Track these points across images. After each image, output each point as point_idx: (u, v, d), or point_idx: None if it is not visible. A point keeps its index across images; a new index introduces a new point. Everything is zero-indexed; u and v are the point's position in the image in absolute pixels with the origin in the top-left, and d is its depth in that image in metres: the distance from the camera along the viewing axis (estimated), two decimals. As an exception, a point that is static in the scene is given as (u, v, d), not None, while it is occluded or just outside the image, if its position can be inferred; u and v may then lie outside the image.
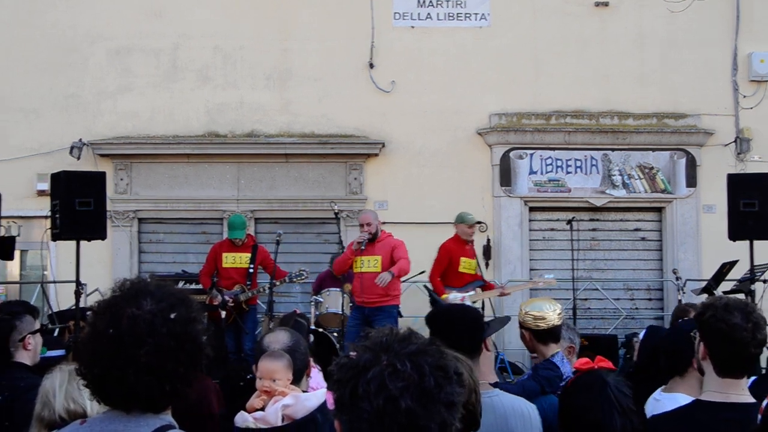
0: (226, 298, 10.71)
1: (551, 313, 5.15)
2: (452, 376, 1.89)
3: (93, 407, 3.60)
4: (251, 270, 10.97)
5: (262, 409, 3.58)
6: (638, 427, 2.96)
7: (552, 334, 5.13)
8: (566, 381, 5.07)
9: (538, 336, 5.12)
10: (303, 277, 11.06)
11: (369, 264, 10.29)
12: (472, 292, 10.79)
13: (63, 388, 3.51)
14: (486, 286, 11.22)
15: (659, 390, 3.94)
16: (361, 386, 1.84)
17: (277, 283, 10.94)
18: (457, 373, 1.91)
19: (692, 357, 3.75)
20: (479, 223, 11.32)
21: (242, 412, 3.49)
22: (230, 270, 10.99)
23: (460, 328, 3.80)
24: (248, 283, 10.91)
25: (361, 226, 10.37)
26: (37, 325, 4.77)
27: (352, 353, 1.92)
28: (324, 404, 3.38)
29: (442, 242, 11.31)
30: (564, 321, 5.98)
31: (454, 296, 10.74)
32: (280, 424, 3.40)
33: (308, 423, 3.28)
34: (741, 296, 9.78)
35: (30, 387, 4.34)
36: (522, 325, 5.17)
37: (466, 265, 11.10)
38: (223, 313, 10.73)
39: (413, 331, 1.97)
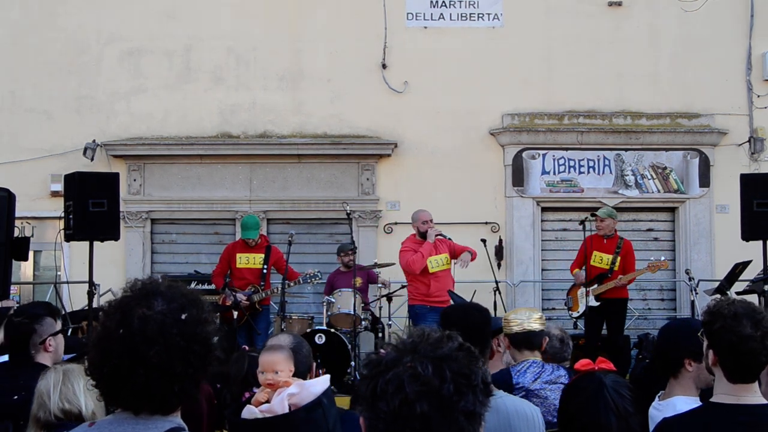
0: (240, 297, 10.73)
1: (525, 318, 5.10)
2: (477, 385, 1.85)
3: (88, 407, 3.63)
4: (265, 270, 10.99)
5: (268, 402, 3.58)
6: (635, 429, 2.94)
7: (527, 341, 5.07)
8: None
9: (513, 341, 5.08)
10: (316, 279, 11.08)
11: (440, 263, 10.49)
12: (594, 286, 10.94)
13: (57, 389, 3.54)
14: (607, 279, 11.00)
15: (657, 398, 3.92)
16: (380, 386, 1.81)
17: (291, 284, 10.97)
18: (485, 383, 1.87)
19: (684, 357, 3.72)
20: (596, 217, 11.22)
21: (249, 406, 3.50)
22: (244, 270, 11.01)
23: (467, 328, 3.79)
24: (262, 283, 10.93)
25: (424, 222, 10.55)
26: (59, 326, 4.80)
27: (382, 351, 1.90)
28: (329, 389, 3.39)
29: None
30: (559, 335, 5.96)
31: (581, 292, 10.99)
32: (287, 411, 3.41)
33: (315, 407, 3.29)
34: (754, 297, 9.76)
35: None
36: (503, 332, 5.13)
37: (597, 259, 11.12)
38: (236, 314, 10.77)
39: (451, 335, 1.93)
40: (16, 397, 4.34)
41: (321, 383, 3.41)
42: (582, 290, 11.10)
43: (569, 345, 5.87)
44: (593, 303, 10.90)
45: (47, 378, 3.60)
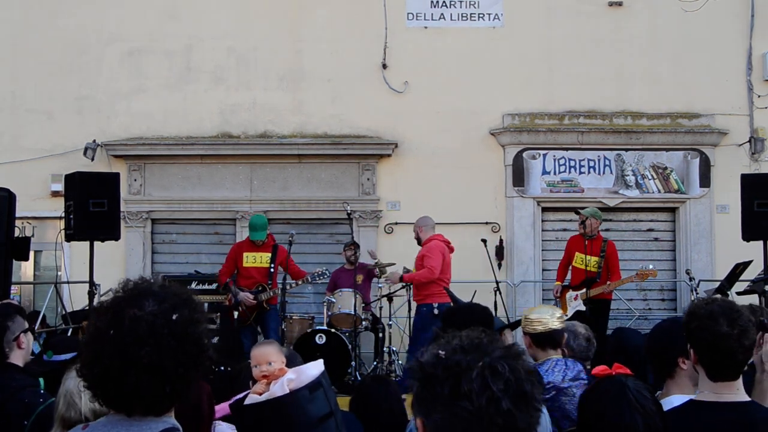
0: (245, 296, 10.67)
1: (548, 317, 5.11)
2: (537, 381, 1.92)
3: None
4: (272, 269, 10.94)
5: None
6: (660, 427, 2.94)
7: (551, 339, 5.08)
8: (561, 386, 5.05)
9: (536, 340, 5.09)
10: (324, 277, 11.03)
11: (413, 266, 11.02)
12: (583, 291, 11.02)
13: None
14: (596, 284, 11.05)
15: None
16: (465, 385, 1.84)
17: (299, 283, 10.96)
18: (540, 380, 1.96)
19: (677, 356, 3.73)
20: (578, 212, 11.37)
21: (251, 395, 3.54)
22: (251, 269, 10.94)
23: (473, 326, 3.79)
24: (269, 282, 10.88)
25: None
26: (26, 325, 4.82)
27: (440, 352, 1.93)
28: (324, 372, 3.44)
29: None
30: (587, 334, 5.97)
31: (570, 295, 11.07)
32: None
33: (317, 386, 3.35)
34: (754, 297, 9.76)
35: (22, 387, 4.38)
36: (523, 331, 5.16)
37: (578, 260, 11.17)
38: (236, 314, 10.75)
39: (496, 336, 2.01)
40: None
41: (316, 366, 3.45)
42: (570, 294, 11.18)
43: (594, 344, 5.87)
44: (581, 308, 10.89)
45: (74, 377, 3.60)
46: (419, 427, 1.93)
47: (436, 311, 10.34)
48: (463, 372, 1.87)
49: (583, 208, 11.72)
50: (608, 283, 10.97)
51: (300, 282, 10.97)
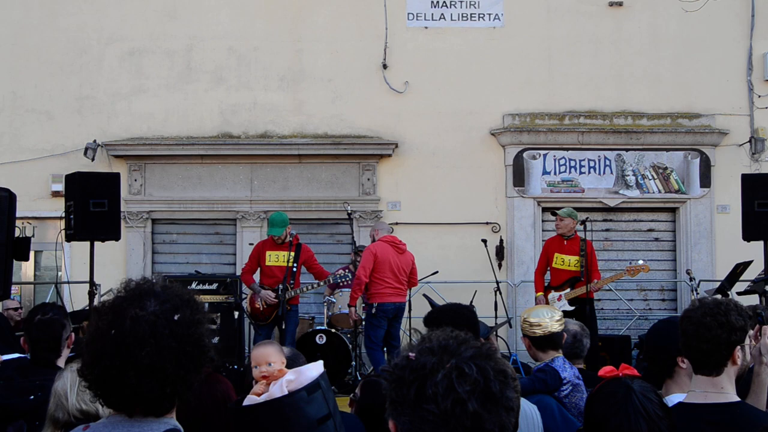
0: (262, 295, 10.61)
1: (548, 320, 5.15)
2: (510, 381, 1.92)
3: (106, 408, 3.64)
4: (294, 269, 10.85)
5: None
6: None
7: (550, 341, 5.13)
8: (566, 385, 5.07)
9: (536, 343, 5.15)
10: (347, 281, 10.92)
11: None
12: (567, 290, 10.98)
13: (74, 390, 3.54)
14: (580, 283, 10.98)
15: None
16: (429, 388, 1.84)
17: (321, 284, 10.91)
18: (513, 378, 1.94)
19: (676, 355, 3.74)
20: (555, 213, 11.37)
21: (249, 396, 3.54)
22: (273, 268, 10.80)
23: (460, 327, 3.79)
24: (291, 281, 10.78)
25: None
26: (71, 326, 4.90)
27: (411, 354, 1.93)
28: (324, 373, 3.44)
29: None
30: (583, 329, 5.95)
31: (552, 296, 11.03)
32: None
33: (315, 388, 3.34)
34: (755, 297, 9.75)
35: None
36: (522, 333, 5.21)
37: (559, 261, 11.12)
38: (236, 314, 10.73)
39: (468, 335, 1.99)
40: (32, 397, 4.36)
41: (316, 368, 3.45)
42: (553, 294, 11.07)
43: (584, 343, 5.82)
44: (568, 308, 10.82)
45: (63, 378, 3.60)
46: (392, 430, 1.92)
47: (373, 311, 10.50)
48: (428, 374, 1.86)
49: (559, 209, 11.68)
50: (595, 281, 10.94)
51: (322, 283, 10.91)
